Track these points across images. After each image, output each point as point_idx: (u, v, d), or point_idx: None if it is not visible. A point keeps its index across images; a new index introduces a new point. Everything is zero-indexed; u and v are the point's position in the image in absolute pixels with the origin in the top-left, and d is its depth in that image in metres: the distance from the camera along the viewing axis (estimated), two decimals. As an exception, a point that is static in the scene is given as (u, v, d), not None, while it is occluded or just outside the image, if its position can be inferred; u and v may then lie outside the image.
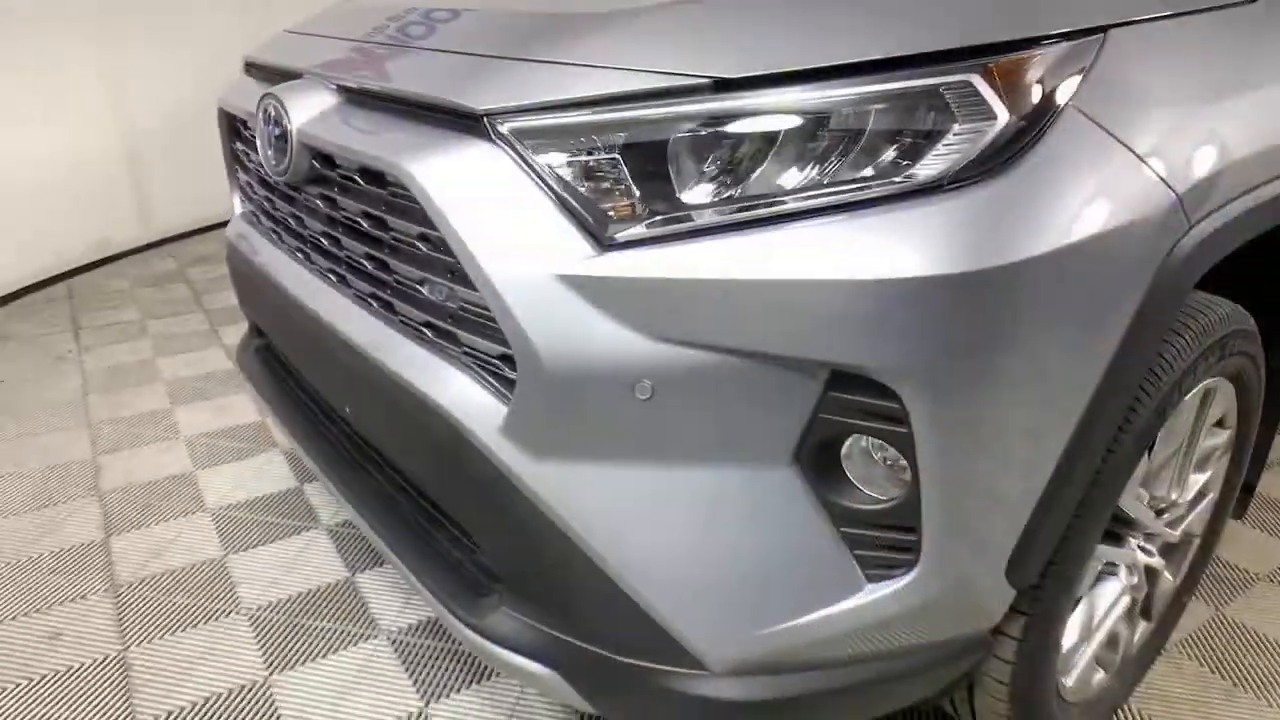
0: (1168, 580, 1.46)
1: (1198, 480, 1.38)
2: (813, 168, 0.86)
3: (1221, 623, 1.70)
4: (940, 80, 0.83)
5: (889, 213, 0.83)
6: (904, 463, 0.87)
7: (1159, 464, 1.25)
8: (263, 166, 1.31)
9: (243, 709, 1.45)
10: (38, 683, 1.50)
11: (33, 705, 1.45)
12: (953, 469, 0.87)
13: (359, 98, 1.16)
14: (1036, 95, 0.86)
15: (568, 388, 0.89)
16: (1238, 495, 1.61)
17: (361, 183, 1.09)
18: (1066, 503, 0.97)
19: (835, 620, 0.93)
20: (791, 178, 0.86)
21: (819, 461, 0.90)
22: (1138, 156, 0.89)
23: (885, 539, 0.92)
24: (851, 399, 0.86)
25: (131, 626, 1.63)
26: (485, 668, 1.50)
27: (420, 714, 1.44)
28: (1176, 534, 1.40)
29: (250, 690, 1.49)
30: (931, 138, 0.84)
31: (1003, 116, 0.84)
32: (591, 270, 0.87)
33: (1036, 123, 0.85)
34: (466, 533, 1.13)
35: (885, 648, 0.98)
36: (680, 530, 0.92)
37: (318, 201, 1.23)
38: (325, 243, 1.26)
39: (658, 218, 0.87)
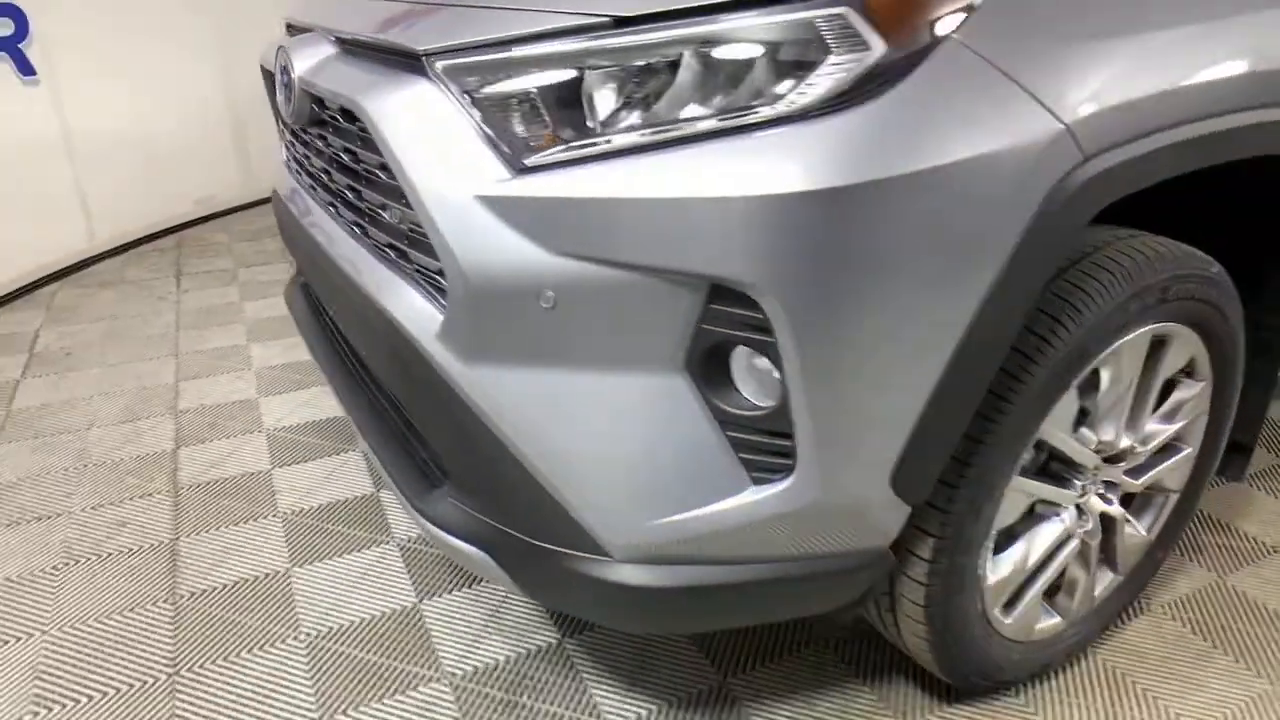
0: (1136, 534, 1.46)
1: (1162, 431, 1.37)
2: (699, 96, 0.94)
3: (1219, 589, 1.67)
4: (815, 13, 0.89)
5: (762, 136, 0.90)
6: (777, 374, 0.95)
7: (1107, 407, 1.26)
8: (280, 112, 1.48)
9: (263, 592, 1.66)
10: (104, 558, 1.76)
11: (96, 575, 1.71)
12: (820, 381, 0.94)
13: (348, 47, 1.30)
14: (913, 27, 0.90)
15: (486, 297, 1.01)
16: (1229, 454, 1.58)
17: (342, 121, 1.24)
18: (951, 425, 1.02)
19: (723, 516, 1.02)
20: (678, 106, 0.94)
21: (706, 369, 0.99)
22: (1021, 87, 0.92)
23: (766, 444, 0.99)
24: (727, 311, 0.94)
25: (185, 521, 1.88)
26: (475, 574, 1.66)
27: (414, 609, 1.61)
28: (1139, 484, 1.39)
29: (273, 578, 1.70)
30: (808, 67, 0.90)
31: (877, 47, 0.89)
32: (505, 191, 0.98)
33: (912, 53, 0.90)
34: (420, 431, 1.27)
35: (779, 551, 1.06)
36: (586, 428, 1.03)
37: (318, 141, 1.39)
38: (325, 178, 1.43)
39: (562, 144, 0.97)
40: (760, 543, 1.05)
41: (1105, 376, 1.24)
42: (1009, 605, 1.33)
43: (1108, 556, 1.46)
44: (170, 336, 2.88)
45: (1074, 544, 1.34)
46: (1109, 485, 1.39)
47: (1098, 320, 1.12)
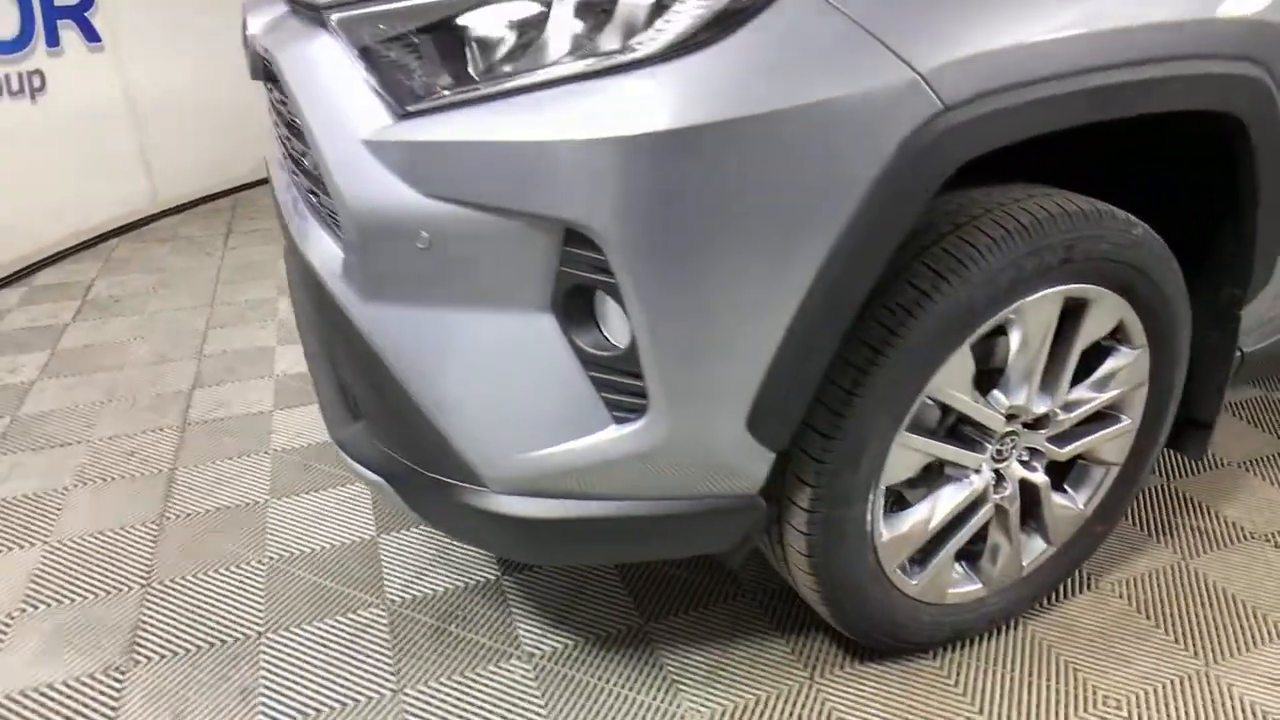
0: (1066, 505, 1.43)
1: (1091, 399, 1.34)
2: (566, 42, 0.97)
3: (1179, 571, 1.62)
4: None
5: (614, 80, 0.93)
6: (626, 316, 0.98)
7: (1018, 371, 1.24)
8: (251, 69, 1.58)
9: (241, 519, 1.80)
10: (109, 482, 1.94)
11: (99, 496, 1.88)
12: (663, 324, 0.97)
13: (292, 7, 1.39)
14: (765, -26, 0.92)
15: (370, 237, 1.08)
16: (1189, 431, 1.53)
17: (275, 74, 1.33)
18: (806, 372, 1.03)
19: (588, 452, 1.07)
20: (547, 52, 0.98)
21: (569, 310, 1.03)
22: (870, 33, 0.92)
23: (623, 384, 1.03)
24: (579, 254, 0.98)
25: (186, 453, 2.04)
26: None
27: (371, 541, 1.72)
28: (1063, 452, 1.36)
29: (252, 507, 1.84)
30: (663, 9, 0.93)
31: (738, -7, 0.91)
32: (385, 136, 1.04)
33: (756, 1, 0.92)
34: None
35: (647, 489, 1.10)
36: (463, 365, 1.09)
37: (270, 95, 1.48)
38: (276, 130, 1.52)
39: (439, 92, 1.02)
40: (627, 480, 1.09)
41: (1014, 339, 1.22)
42: (919, 565, 1.34)
43: (1037, 526, 1.43)
44: (209, 288, 3.09)
45: (988, 509, 1.33)
46: (1033, 452, 1.37)
47: (985, 278, 1.10)
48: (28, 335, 2.73)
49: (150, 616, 1.55)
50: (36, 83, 3.24)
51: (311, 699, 1.37)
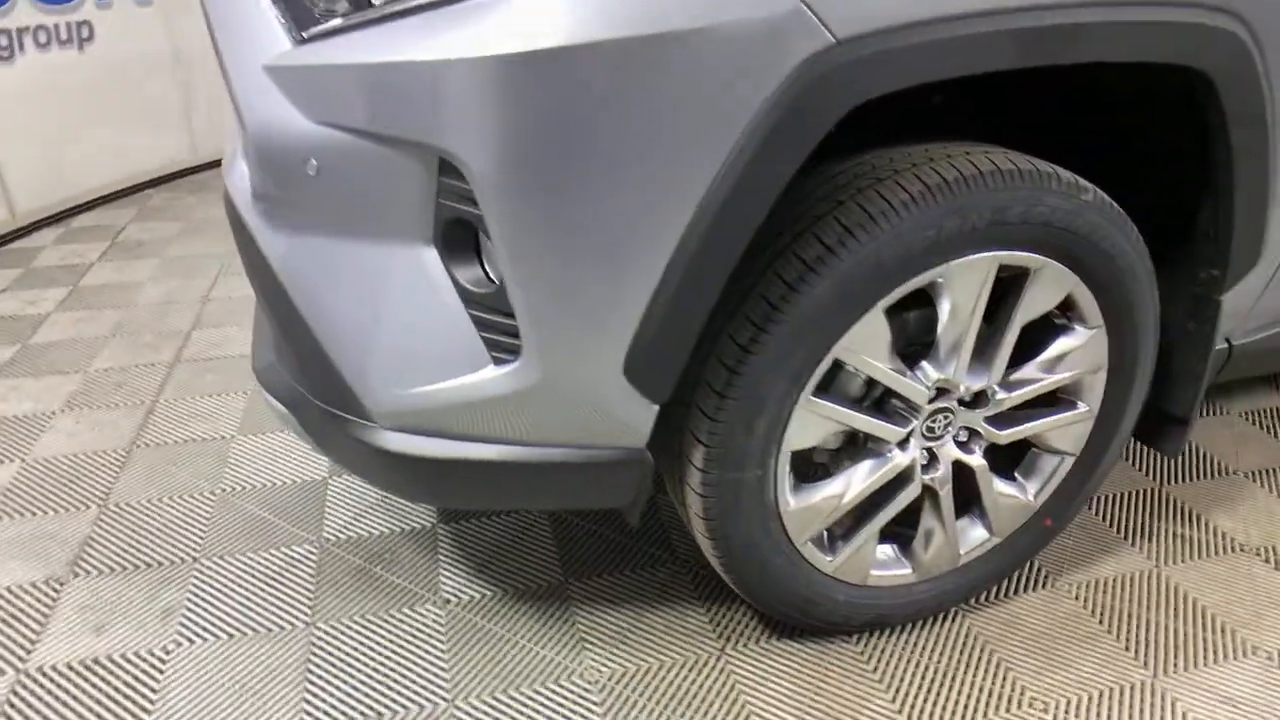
0: (1011, 493, 1.34)
1: (1039, 380, 1.25)
2: None
3: (1149, 578, 1.51)
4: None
5: (488, 2, 0.91)
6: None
7: (947, 342, 1.17)
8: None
9: (205, 451, 1.85)
10: (93, 409, 2.02)
11: (80, 422, 1.96)
12: (530, 260, 0.94)
13: None
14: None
15: (268, 163, 1.08)
16: (1161, 426, 1.42)
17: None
18: (684, 319, 0.99)
19: (469, 391, 1.05)
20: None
21: (450, 244, 1.02)
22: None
23: (500, 322, 1.01)
24: (452, 184, 0.96)
25: (169, 389, 2.11)
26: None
27: (322, 482, 1.75)
28: (1004, 435, 1.28)
29: (217, 441, 1.89)
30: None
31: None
32: (281, 61, 1.04)
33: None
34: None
35: (531, 434, 1.08)
36: (353, 296, 1.08)
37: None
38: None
39: (330, 16, 1.01)
40: (508, 423, 1.07)
41: (942, 307, 1.15)
42: (841, 541, 1.28)
43: (979, 513, 1.36)
44: (229, 239, 3.18)
45: (913, 489, 1.26)
46: (972, 434, 1.29)
47: (896, 237, 1.04)
48: (55, 272, 2.86)
49: (99, 535, 1.61)
50: (85, 33, 3.38)
51: (228, 624, 1.40)
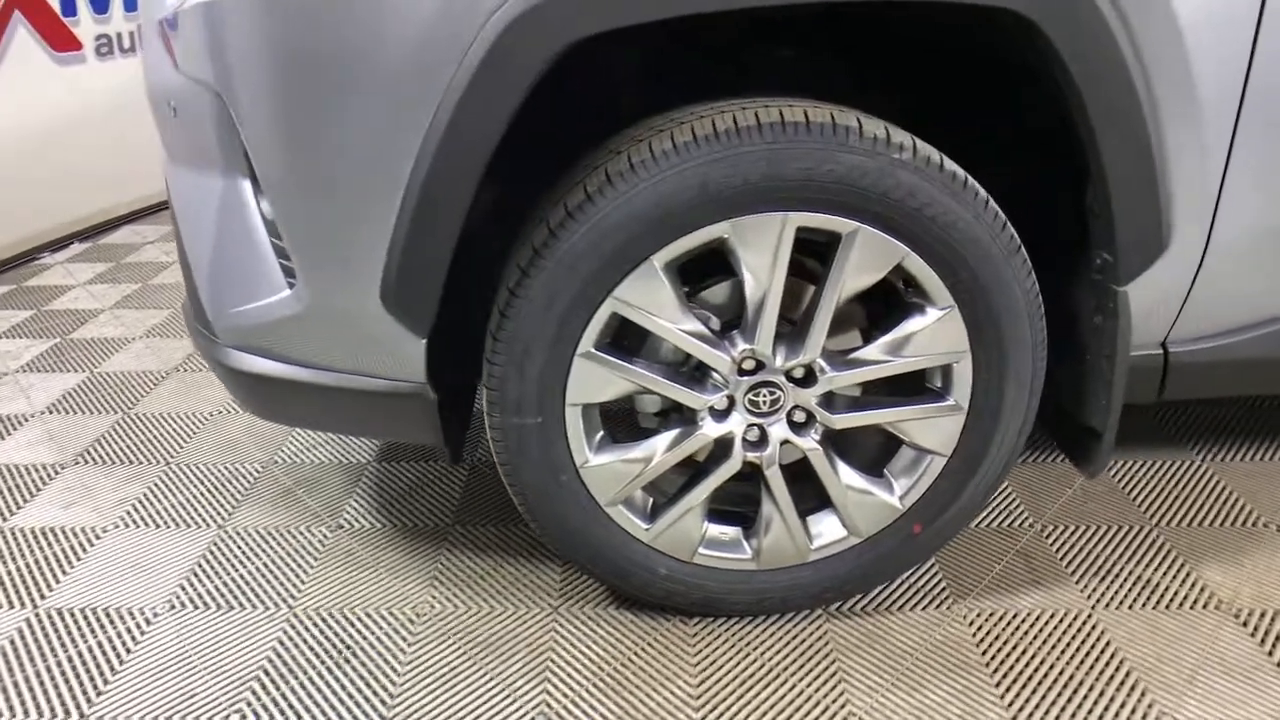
0: (866, 489, 1.24)
1: (880, 361, 1.16)
2: None
3: (1072, 618, 1.33)
4: None
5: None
6: (272, 177, 1.07)
7: (751, 310, 1.12)
8: None
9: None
10: (195, 373, 2.40)
11: (186, 384, 2.33)
12: (280, 189, 1.06)
13: None
14: None
15: (153, 105, 1.27)
16: (1081, 438, 1.24)
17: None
18: (430, 249, 1.05)
19: (265, 312, 1.18)
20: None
21: (255, 176, 1.14)
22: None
23: (284, 248, 1.12)
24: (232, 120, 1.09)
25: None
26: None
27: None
28: (838, 420, 1.19)
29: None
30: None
31: None
32: (164, 14, 1.22)
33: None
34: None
35: (320, 359, 1.19)
36: (198, 222, 1.25)
37: None
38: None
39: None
40: (301, 346, 1.19)
41: (740, 271, 1.10)
42: (660, 509, 1.26)
43: (834, 507, 1.26)
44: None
45: (731, 464, 1.21)
46: (810, 416, 1.21)
47: (654, 187, 1.02)
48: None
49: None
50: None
51: (151, 521, 1.63)
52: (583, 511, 1.24)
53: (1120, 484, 1.67)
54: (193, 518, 1.63)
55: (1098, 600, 1.38)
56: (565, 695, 1.24)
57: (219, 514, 1.64)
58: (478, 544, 1.54)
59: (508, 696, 1.24)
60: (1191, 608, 1.36)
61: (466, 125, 0.98)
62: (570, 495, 1.23)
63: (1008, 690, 1.22)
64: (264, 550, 1.54)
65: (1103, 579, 1.43)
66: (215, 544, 1.56)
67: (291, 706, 1.22)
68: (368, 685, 1.26)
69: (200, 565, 1.50)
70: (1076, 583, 1.42)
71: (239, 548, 1.55)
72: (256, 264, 1.18)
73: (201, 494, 1.70)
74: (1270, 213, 1.10)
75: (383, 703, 1.23)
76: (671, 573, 1.30)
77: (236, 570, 1.49)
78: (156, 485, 1.74)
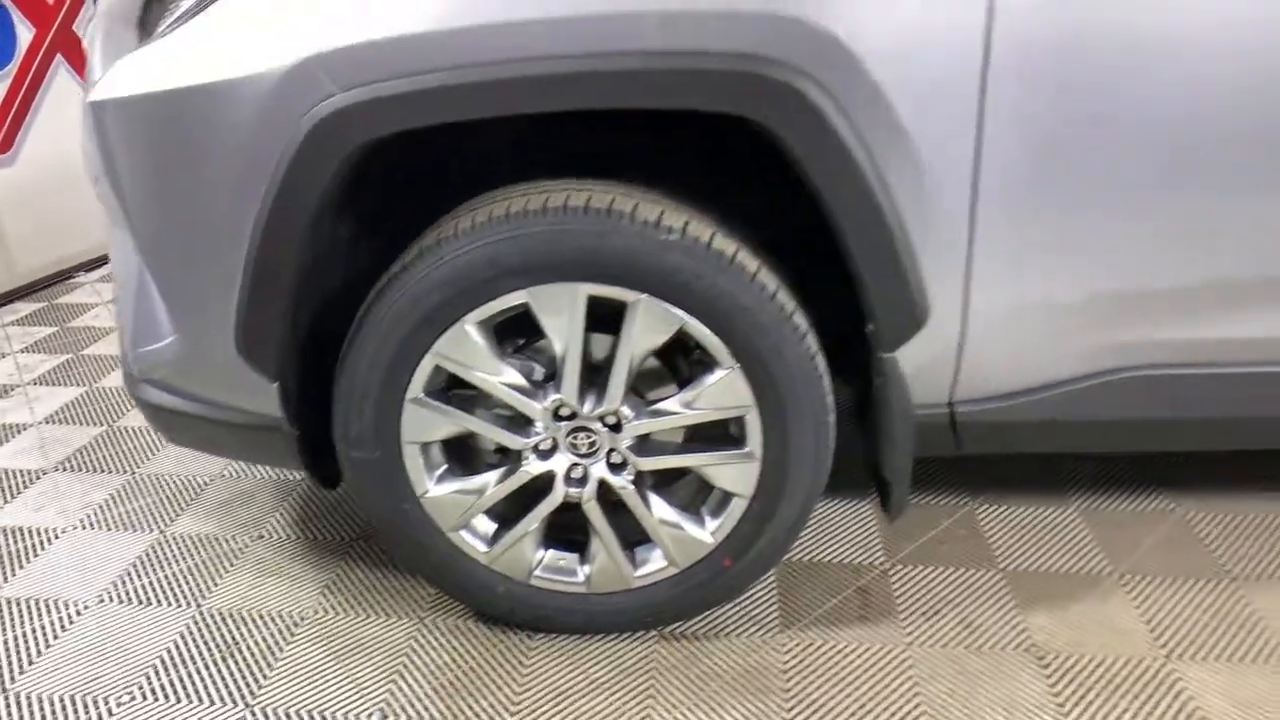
0: (679, 523, 1.39)
1: (677, 413, 1.31)
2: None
3: (891, 655, 1.44)
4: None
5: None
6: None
7: (560, 366, 1.28)
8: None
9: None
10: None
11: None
12: (150, 257, 1.30)
13: None
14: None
15: (87, 172, 1.51)
16: (880, 483, 1.37)
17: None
18: (269, 314, 1.25)
19: (159, 354, 1.40)
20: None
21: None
22: (270, 18, 1.10)
23: (168, 301, 1.34)
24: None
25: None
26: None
27: (260, 434, 2.20)
28: (645, 463, 1.36)
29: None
30: (170, 7, 1.22)
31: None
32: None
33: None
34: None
35: (203, 395, 1.40)
36: (118, 276, 1.48)
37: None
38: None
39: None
40: (187, 384, 1.41)
41: (548, 334, 1.27)
42: (499, 534, 1.43)
43: (654, 539, 1.40)
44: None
45: (553, 499, 1.38)
46: (622, 466, 1.37)
47: (455, 260, 1.20)
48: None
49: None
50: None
51: (105, 524, 1.87)
52: (426, 536, 1.42)
53: (983, 527, 1.76)
54: (141, 522, 1.88)
55: (916, 638, 1.49)
56: (405, 695, 1.42)
57: (164, 519, 1.88)
58: (372, 559, 1.74)
59: (357, 694, 1.43)
60: (1003, 649, 1.45)
61: (285, 207, 1.18)
62: (414, 521, 1.41)
63: (797, 717, 1.35)
64: (192, 554, 1.77)
65: (929, 618, 1.53)
66: (153, 546, 1.80)
67: (175, 692, 1.44)
68: (243, 678, 1.46)
69: (135, 565, 1.74)
70: (903, 620, 1.53)
71: (172, 551, 1.78)
72: (153, 313, 1.41)
73: (155, 502, 1.95)
74: (1020, 290, 1.20)
75: (251, 694, 1.43)
76: (509, 592, 1.46)
77: (164, 571, 1.72)
78: (119, 492, 1.99)
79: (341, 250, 1.41)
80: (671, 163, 1.36)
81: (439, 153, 1.33)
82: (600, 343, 1.34)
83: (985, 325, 1.23)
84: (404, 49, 1.10)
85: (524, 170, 1.32)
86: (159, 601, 1.64)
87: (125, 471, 2.08)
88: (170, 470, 2.06)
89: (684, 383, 1.36)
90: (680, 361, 1.39)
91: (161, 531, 1.85)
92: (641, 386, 1.38)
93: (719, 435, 1.38)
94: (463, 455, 1.45)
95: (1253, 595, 1.55)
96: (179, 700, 1.42)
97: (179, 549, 1.79)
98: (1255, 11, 1.09)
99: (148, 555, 1.78)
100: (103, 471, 2.09)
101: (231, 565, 1.74)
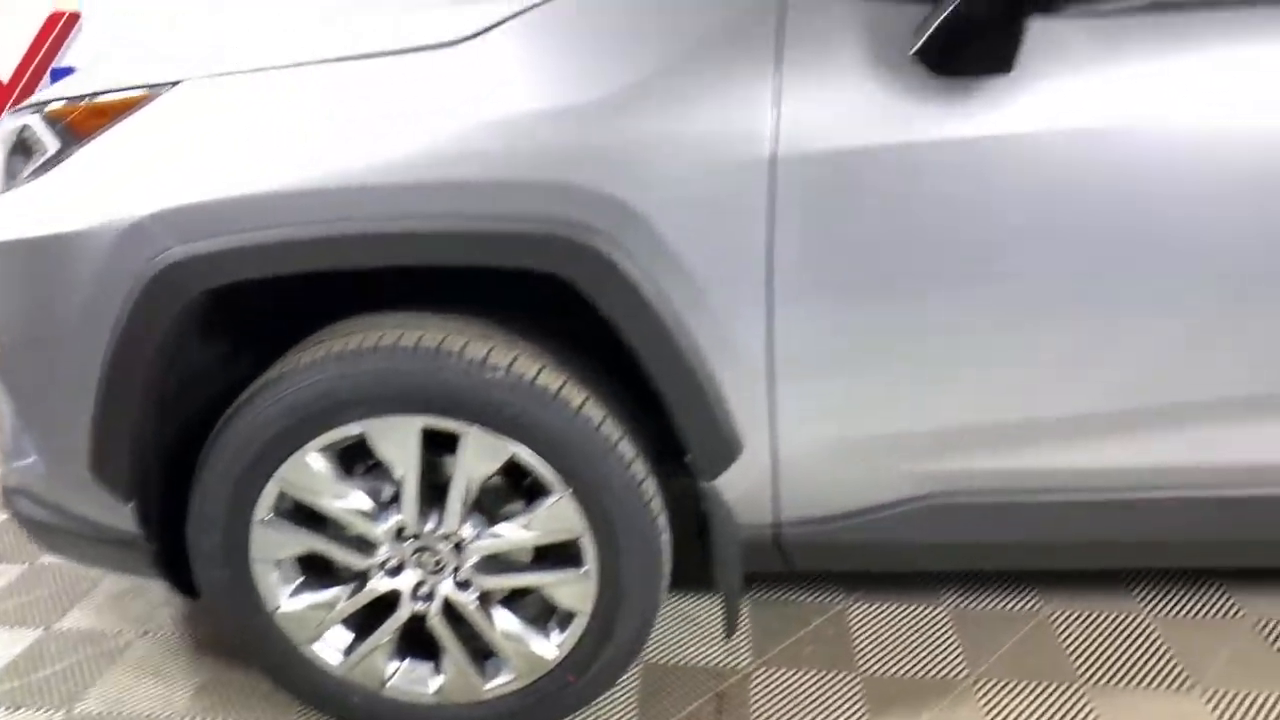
0: (523, 638, 1.44)
1: (514, 535, 1.38)
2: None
3: (729, 763, 1.48)
4: (19, 122, 1.28)
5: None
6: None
7: (403, 491, 1.35)
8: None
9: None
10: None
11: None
12: (13, 389, 1.36)
13: None
14: (76, 131, 1.24)
15: None
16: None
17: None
18: (117, 447, 1.32)
19: (27, 471, 1.47)
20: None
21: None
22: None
23: (26, 426, 1.41)
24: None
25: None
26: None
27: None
28: (490, 583, 1.42)
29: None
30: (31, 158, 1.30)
31: (52, 145, 1.25)
32: None
33: (65, 150, 1.24)
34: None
35: (70, 509, 1.45)
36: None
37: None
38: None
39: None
40: (53, 499, 1.47)
41: (386, 461, 1.34)
42: (352, 647, 1.48)
43: (498, 652, 1.46)
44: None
45: (399, 615, 1.43)
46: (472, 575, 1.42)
47: (293, 394, 1.27)
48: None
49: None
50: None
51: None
52: (281, 647, 1.47)
53: (851, 627, 1.81)
54: (30, 616, 1.92)
55: (760, 740, 1.53)
56: (256, 807, 1.45)
57: (53, 614, 1.92)
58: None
59: (209, 804, 1.46)
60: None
61: (129, 348, 1.26)
62: (267, 634, 1.46)
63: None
64: (74, 652, 1.81)
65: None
66: (36, 643, 1.84)
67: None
68: (100, 787, 1.50)
69: (15, 664, 1.78)
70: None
71: (53, 649, 1.82)
72: (21, 432, 1.47)
73: (49, 594, 1.99)
74: (825, 422, 1.28)
75: (105, 804, 1.47)
76: (365, 702, 1.51)
77: (42, 671, 1.76)
78: (14, 583, 2.03)
79: (217, 368, 1.49)
80: (516, 291, 1.45)
81: (293, 286, 1.41)
82: (447, 463, 1.41)
83: (796, 454, 1.30)
84: (233, 209, 1.19)
85: (381, 296, 1.41)
86: (30, 704, 1.68)
87: (24, 562, 2.12)
88: (69, 561, 2.11)
89: (531, 500, 1.43)
90: (524, 482, 1.46)
91: (47, 628, 1.89)
92: (492, 504, 1.45)
93: (567, 554, 1.44)
94: (324, 565, 1.51)
95: (1096, 700, 1.61)
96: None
97: (61, 647, 1.82)
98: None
99: (30, 653, 1.81)
100: (3, 561, 2.13)
101: (111, 664, 1.77)
